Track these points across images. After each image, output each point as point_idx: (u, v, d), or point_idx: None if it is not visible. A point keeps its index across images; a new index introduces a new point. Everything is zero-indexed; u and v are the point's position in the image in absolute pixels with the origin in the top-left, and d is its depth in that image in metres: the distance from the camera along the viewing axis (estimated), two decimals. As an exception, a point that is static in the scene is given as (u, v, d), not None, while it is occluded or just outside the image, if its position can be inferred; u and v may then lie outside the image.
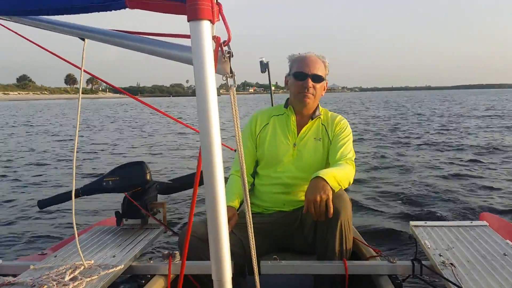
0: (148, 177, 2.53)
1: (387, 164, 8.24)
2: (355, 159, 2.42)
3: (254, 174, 2.56)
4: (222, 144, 1.01)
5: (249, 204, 1.12)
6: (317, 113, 2.49)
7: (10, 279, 1.93)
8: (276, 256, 2.15)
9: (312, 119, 2.48)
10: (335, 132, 2.47)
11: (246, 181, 1.13)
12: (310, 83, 2.38)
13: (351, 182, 2.32)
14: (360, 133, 13.89)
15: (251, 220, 1.11)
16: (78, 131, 1.79)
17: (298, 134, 2.47)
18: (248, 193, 1.15)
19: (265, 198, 2.48)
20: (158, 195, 2.71)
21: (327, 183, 2.08)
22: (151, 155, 10.69)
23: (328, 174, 2.13)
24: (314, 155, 2.44)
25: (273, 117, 2.54)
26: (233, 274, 1.06)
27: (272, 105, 3.05)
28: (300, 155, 2.43)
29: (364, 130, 15.12)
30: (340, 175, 2.18)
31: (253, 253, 1.16)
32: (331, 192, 2.07)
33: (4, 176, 8.19)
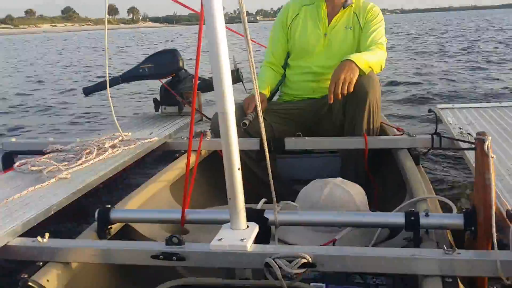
0: (180, 64, 2.64)
1: (424, 50, 8.25)
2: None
3: (285, 66, 2.61)
4: (253, 41, 1.10)
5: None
6: (348, 1, 2.46)
7: (59, 146, 2.13)
8: (300, 133, 2.24)
9: (343, 8, 2.46)
10: (367, 19, 2.44)
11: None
12: None
13: (383, 67, 2.33)
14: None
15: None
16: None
17: (329, 23, 2.46)
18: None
19: (295, 86, 2.55)
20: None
21: (356, 64, 2.11)
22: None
23: (357, 56, 2.16)
24: (345, 44, 2.44)
25: (304, 7, 2.53)
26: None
27: None
28: (330, 44, 2.44)
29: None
30: (371, 59, 2.20)
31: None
32: (357, 72, 2.10)
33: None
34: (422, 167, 2.06)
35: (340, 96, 2.08)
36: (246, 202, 1.25)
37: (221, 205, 1.94)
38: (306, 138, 2.22)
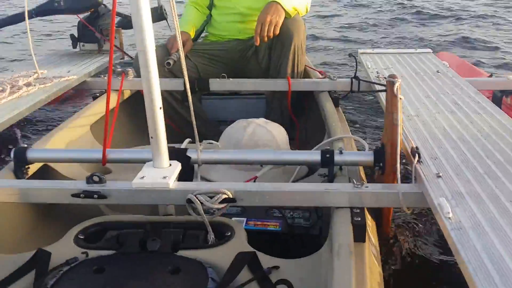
0: None
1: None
2: None
3: (211, 6, 2.55)
4: None
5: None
6: None
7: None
8: (225, 74, 2.25)
9: None
10: None
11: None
12: None
13: (308, 9, 2.36)
14: None
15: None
16: None
17: None
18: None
19: (221, 27, 2.51)
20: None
21: (282, 6, 2.11)
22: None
23: None
24: None
25: None
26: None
27: None
28: None
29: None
30: (297, 1, 2.21)
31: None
32: (283, 14, 2.11)
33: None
34: (341, 108, 2.16)
35: (266, 38, 2.10)
36: (171, 142, 1.26)
37: (144, 145, 1.93)
38: (231, 79, 2.23)
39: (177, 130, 2.27)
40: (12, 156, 1.41)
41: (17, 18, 2.45)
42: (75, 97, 2.72)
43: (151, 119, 1.17)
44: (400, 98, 1.26)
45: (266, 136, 1.66)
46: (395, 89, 1.27)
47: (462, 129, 1.47)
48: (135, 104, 2.23)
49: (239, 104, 2.53)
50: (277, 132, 1.70)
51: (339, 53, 4.79)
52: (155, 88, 1.14)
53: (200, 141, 1.37)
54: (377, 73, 2.12)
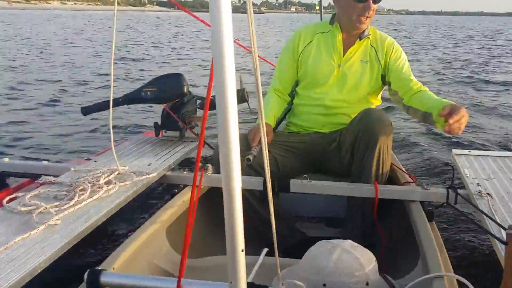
0: (185, 90, 2.51)
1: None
2: None
3: (293, 94, 2.48)
4: (261, 58, 0.93)
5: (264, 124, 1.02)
6: (366, 33, 2.33)
7: (52, 178, 2.01)
8: (306, 176, 2.13)
9: (360, 39, 2.32)
10: (391, 57, 2.31)
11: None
12: (372, 5, 2.18)
13: None
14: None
15: (265, 139, 1.03)
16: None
17: (344, 54, 2.33)
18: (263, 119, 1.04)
19: (304, 118, 2.42)
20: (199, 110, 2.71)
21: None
22: (192, 68, 10.67)
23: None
24: (360, 78, 2.31)
25: (318, 35, 2.40)
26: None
27: (321, 20, 2.90)
28: (344, 77, 2.32)
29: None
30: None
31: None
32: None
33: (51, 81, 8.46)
34: (435, 223, 1.95)
35: (456, 131, 1.78)
36: (246, 242, 1.11)
37: (221, 248, 1.82)
38: (314, 182, 2.10)
39: (251, 226, 2.16)
40: (85, 279, 1.35)
41: (104, 105, 2.50)
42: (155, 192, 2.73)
43: (229, 230, 1.02)
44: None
45: (355, 265, 1.49)
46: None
47: None
48: (212, 201, 2.15)
49: (318, 201, 2.39)
50: (366, 260, 1.52)
51: (426, 151, 4.33)
52: (236, 198, 0.99)
53: (278, 245, 1.19)
54: (478, 185, 1.90)
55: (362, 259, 1.51)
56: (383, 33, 2.40)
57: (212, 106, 2.77)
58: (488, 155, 2.30)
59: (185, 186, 2.15)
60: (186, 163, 2.85)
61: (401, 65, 2.30)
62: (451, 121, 1.73)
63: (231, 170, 0.97)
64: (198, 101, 2.71)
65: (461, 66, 12.06)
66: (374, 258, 1.57)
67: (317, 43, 2.37)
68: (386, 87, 2.39)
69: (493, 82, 9.14)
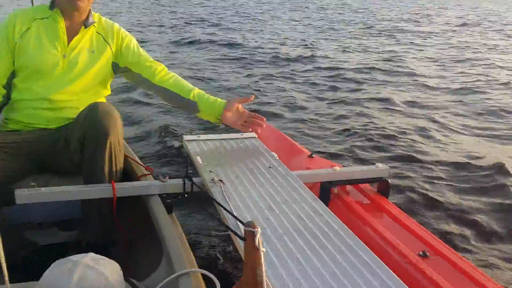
0: None
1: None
2: None
3: (9, 86, 2.14)
4: None
5: None
6: (90, 20, 2.18)
7: None
8: (34, 184, 1.87)
9: (85, 27, 2.16)
10: (124, 43, 2.25)
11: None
12: None
13: None
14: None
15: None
16: None
17: (68, 43, 2.12)
18: None
19: (26, 114, 2.13)
20: None
21: None
22: None
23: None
24: (87, 68, 2.15)
25: (37, 21, 2.12)
26: None
27: (33, 4, 2.58)
28: (70, 68, 2.12)
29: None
30: None
31: None
32: None
33: None
34: (175, 215, 1.96)
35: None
36: None
37: None
38: (43, 189, 1.85)
39: None
40: None
41: None
42: None
43: None
44: (263, 251, 1.14)
45: (99, 279, 1.37)
46: (256, 241, 1.13)
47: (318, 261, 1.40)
48: None
49: (48, 203, 2.14)
50: (110, 272, 1.41)
51: (164, 140, 4.30)
52: None
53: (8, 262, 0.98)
54: (211, 172, 1.99)
55: (106, 272, 1.40)
56: (108, 20, 2.30)
57: None
58: (216, 139, 2.40)
59: None
60: None
61: (136, 48, 2.29)
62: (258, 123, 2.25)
63: None
64: None
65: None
66: (118, 267, 1.47)
67: (37, 31, 2.10)
68: (116, 75, 2.31)
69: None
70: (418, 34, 12.87)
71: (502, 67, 8.45)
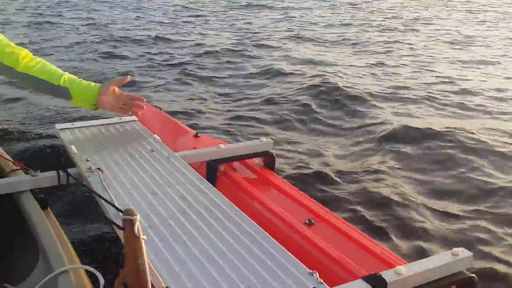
0: None
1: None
2: None
3: None
4: None
5: None
6: None
7: None
8: None
9: None
10: None
11: None
12: None
13: None
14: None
15: None
16: None
17: None
18: None
19: None
20: None
21: None
22: None
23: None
24: None
25: None
26: None
27: None
28: None
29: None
30: None
31: None
32: None
33: None
34: (51, 210, 1.80)
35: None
36: None
37: None
38: None
39: None
40: None
41: None
42: None
43: None
44: (143, 239, 1.07)
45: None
46: (135, 229, 1.06)
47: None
48: None
49: None
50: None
51: (34, 133, 3.91)
52: None
53: None
54: (88, 161, 1.86)
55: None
56: None
57: None
58: (92, 125, 2.25)
59: None
60: None
61: None
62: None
63: None
64: None
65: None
66: None
67: None
68: None
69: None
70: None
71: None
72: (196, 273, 1.20)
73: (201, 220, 1.45)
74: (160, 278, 1.18)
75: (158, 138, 2.15)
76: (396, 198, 3.02)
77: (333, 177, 3.30)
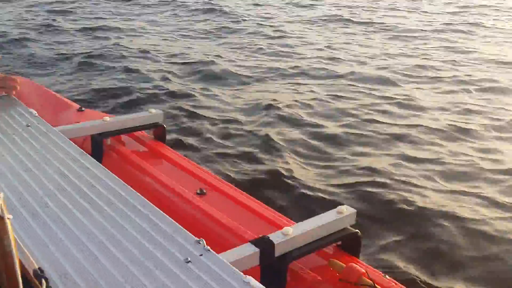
0: None
1: None
2: None
3: None
4: None
5: None
6: None
7: None
8: None
9: None
10: None
11: None
12: None
13: None
14: None
15: None
16: None
17: None
18: None
19: None
20: None
21: None
22: None
23: None
24: None
25: None
26: None
27: None
28: None
29: None
30: None
31: None
32: None
33: None
34: None
35: None
36: None
37: None
38: None
39: None
40: None
41: None
42: None
43: None
44: (8, 218, 0.97)
45: None
46: (-1, 208, 0.96)
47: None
48: None
49: None
50: None
51: None
52: None
53: None
54: None
55: None
56: None
57: None
58: None
59: None
60: None
61: None
62: None
63: None
64: None
65: None
66: None
67: None
68: None
69: None
70: None
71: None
72: (74, 251, 1.12)
73: (82, 196, 1.36)
74: (31, 258, 1.09)
75: (35, 112, 1.97)
76: (285, 154, 3.10)
77: (228, 146, 3.31)
